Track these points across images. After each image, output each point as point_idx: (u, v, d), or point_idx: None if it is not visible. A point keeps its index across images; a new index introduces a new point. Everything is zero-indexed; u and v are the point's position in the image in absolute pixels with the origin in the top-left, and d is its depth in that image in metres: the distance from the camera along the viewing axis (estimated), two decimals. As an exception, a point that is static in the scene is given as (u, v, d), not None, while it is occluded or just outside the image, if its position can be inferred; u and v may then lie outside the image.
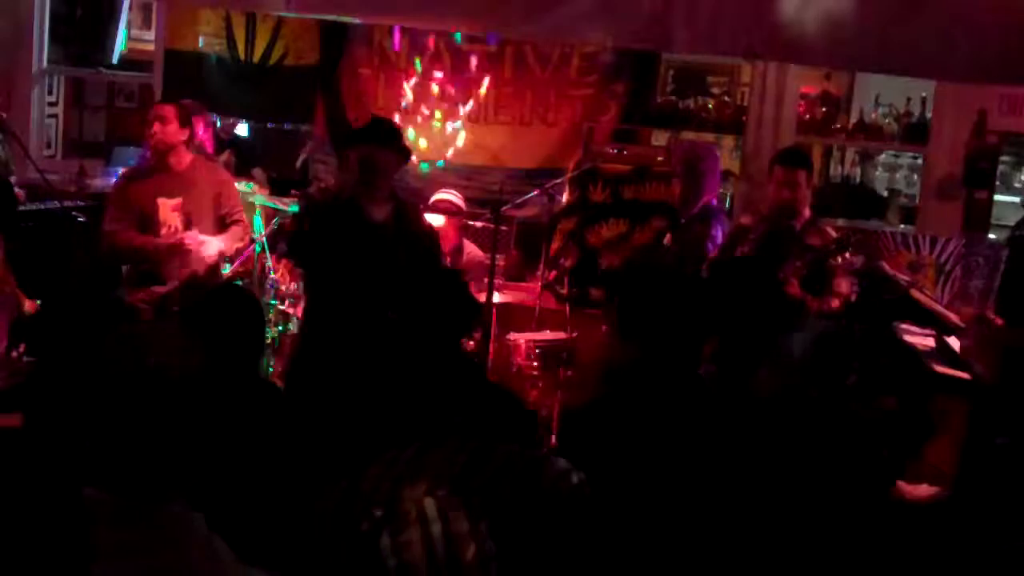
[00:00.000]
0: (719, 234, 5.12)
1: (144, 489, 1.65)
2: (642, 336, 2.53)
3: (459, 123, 6.53)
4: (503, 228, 5.65)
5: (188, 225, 5.01)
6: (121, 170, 5.80)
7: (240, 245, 5.34)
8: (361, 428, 2.92)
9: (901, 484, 3.94)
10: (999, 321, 4.46)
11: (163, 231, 4.98)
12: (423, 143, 6.59)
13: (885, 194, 7.25)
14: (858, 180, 7.36)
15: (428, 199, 5.86)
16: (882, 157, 7.41)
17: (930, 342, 4.76)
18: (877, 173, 7.59)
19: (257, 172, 6.58)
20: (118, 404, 1.65)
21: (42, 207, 5.78)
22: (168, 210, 5.00)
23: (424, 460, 1.98)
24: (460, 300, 3.25)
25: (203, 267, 5.04)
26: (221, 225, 5.16)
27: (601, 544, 1.96)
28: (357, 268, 4.35)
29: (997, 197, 6.10)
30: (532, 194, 5.74)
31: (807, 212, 4.79)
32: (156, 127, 4.94)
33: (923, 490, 4.24)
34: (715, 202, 5.31)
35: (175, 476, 1.68)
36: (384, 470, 1.99)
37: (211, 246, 5.04)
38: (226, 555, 1.71)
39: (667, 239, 5.38)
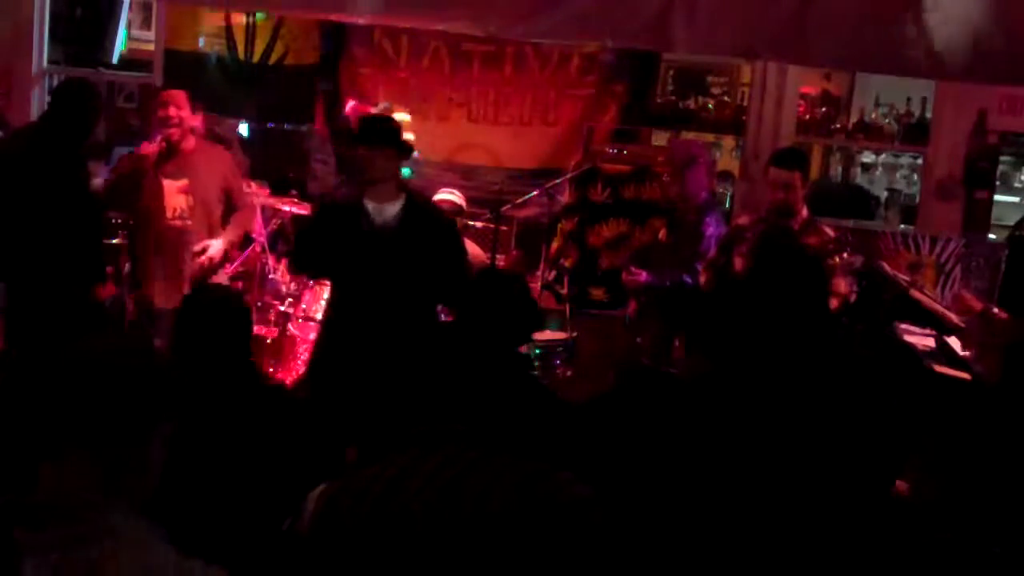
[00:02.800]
0: (712, 223, 5.13)
1: None
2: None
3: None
4: (503, 228, 5.66)
5: (194, 207, 5.01)
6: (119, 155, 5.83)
7: (246, 229, 5.39)
8: (368, 430, 2.92)
9: (900, 483, 3.93)
10: (1003, 316, 4.45)
11: (169, 213, 5.00)
12: (423, 142, 6.60)
13: (884, 193, 7.26)
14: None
15: (430, 198, 5.86)
16: (882, 157, 7.42)
17: (930, 342, 4.76)
18: (877, 173, 7.59)
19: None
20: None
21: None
22: (174, 192, 5.02)
23: (419, 466, 1.97)
24: (516, 303, 3.24)
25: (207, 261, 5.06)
26: (228, 206, 5.17)
27: (608, 560, 1.95)
28: (363, 272, 4.32)
29: (997, 197, 6.10)
30: (532, 194, 5.74)
31: (804, 212, 4.79)
32: (172, 111, 4.96)
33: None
34: (705, 195, 5.32)
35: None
36: (379, 472, 1.99)
37: (213, 248, 5.07)
38: (164, 554, 1.66)
39: (662, 234, 5.40)
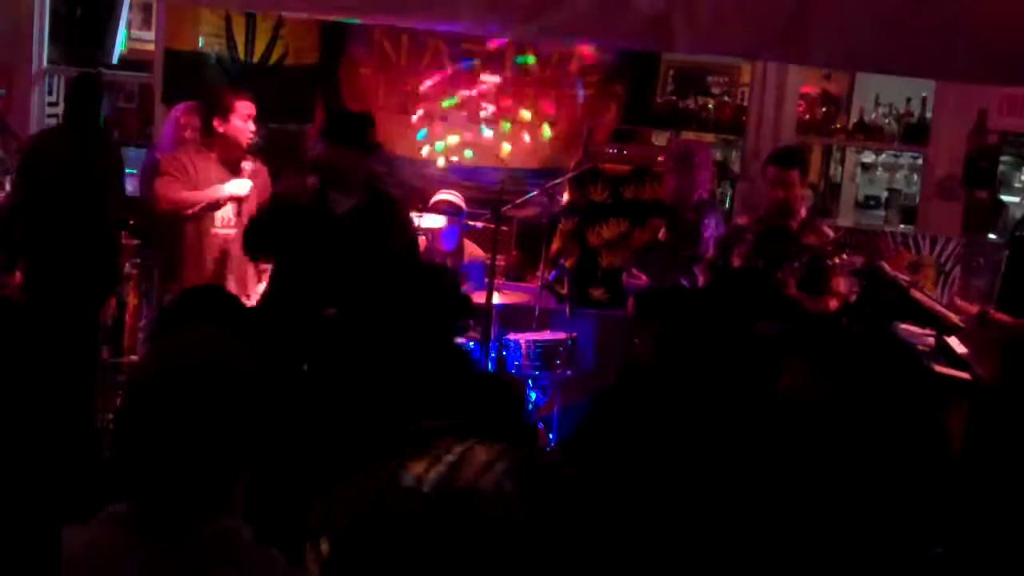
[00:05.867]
0: (712, 223, 5.14)
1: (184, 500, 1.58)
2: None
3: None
4: (503, 228, 5.66)
5: (241, 217, 5.02)
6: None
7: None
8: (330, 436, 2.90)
9: None
10: (1000, 316, 4.46)
11: (217, 221, 5.01)
12: (424, 143, 6.60)
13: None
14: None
15: (429, 199, 5.86)
16: (882, 157, 7.42)
17: (930, 342, 4.77)
18: (877, 173, 7.60)
19: None
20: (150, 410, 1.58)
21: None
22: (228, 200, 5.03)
23: (406, 470, 1.97)
24: (445, 295, 3.22)
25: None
26: None
27: (600, 538, 1.96)
28: (313, 260, 4.37)
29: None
30: (532, 194, 5.74)
31: (803, 212, 4.80)
32: (252, 124, 4.97)
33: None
34: (706, 195, 5.34)
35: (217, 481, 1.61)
36: (366, 482, 1.99)
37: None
38: (282, 564, 1.64)
39: (661, 234, 5.41)
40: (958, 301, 4.79)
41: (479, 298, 5.26)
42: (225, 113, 4.97)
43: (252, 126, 5.01)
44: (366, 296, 3.25)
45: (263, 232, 4.56)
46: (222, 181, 4.94)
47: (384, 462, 2.00)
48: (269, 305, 4.61)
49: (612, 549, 2.01)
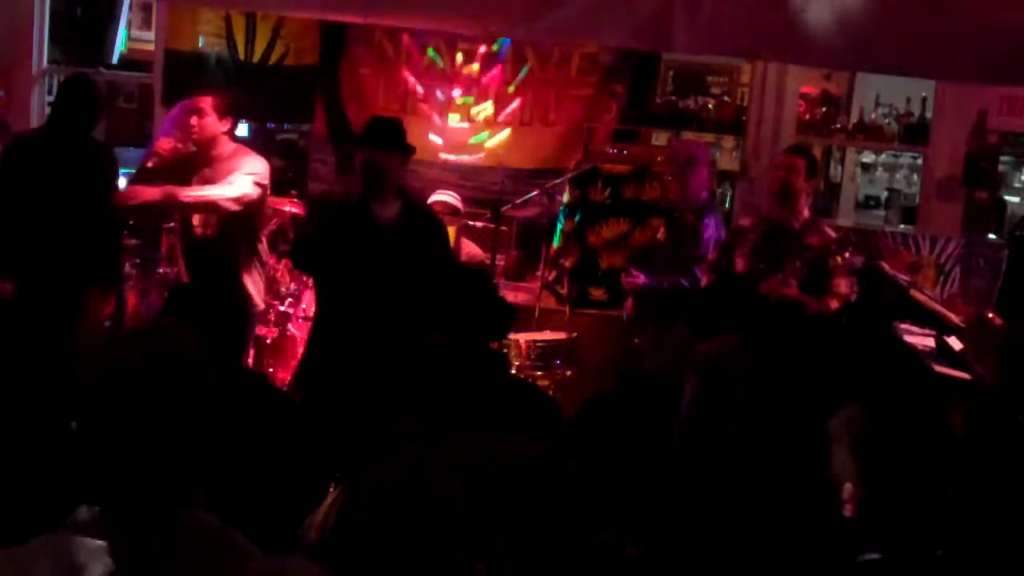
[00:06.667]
0: (711, 224, 5.14)
1: (150, 498, 1.57)
2: None
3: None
4: (503, 228, 5.65)
5: (216, 217, 4.96)
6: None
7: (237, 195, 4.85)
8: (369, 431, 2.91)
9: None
10: (999, 321, 4.46)
11: (195, 221, 4.96)
12: (423, 142, 6.59)
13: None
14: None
15: (427, 200, 5.86)
16: (882, 157, 7.43)
17: (930, 342, 4.76)
18: (877, 173, 7.61)
19: None
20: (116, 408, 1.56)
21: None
22: None
23: (367, 477, 1.98)
24: (489, 301, 3.22)
25: None
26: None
27: (566, 512, 1.96)
28: (364, 271, 4.36)
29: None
30: (532, 194, 5.74)
31: (806, 212, 4.79)
32: (193, 120, 4.92)
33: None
34: (705, 195, 5.34)
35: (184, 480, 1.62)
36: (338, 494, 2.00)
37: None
38: (249, 548, 1.61)
39: (661, 234, 5.41)
40: (957, 301, 4.79)
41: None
42: None
43: (196, 120, 4.89)
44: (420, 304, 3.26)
45: (312, 249, 4.51)
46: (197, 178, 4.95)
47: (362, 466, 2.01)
48: (325, 321, 4.57)
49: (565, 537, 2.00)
